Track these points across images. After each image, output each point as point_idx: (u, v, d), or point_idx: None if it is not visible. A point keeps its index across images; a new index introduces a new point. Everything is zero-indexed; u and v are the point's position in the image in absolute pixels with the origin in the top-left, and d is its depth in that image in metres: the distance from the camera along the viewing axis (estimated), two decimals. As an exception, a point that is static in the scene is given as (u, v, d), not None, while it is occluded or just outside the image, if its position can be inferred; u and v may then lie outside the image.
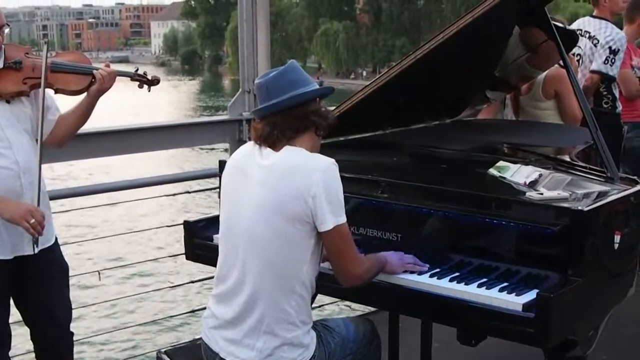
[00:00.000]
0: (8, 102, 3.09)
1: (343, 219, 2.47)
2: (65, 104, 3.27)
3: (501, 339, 2.56)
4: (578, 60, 5.30)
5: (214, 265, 2.69)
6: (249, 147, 2.65)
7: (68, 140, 3.35)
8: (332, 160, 2.49)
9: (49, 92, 3.19)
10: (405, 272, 2.70)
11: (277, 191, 2.46)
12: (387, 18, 58.97)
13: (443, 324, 2.80)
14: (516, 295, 2.47)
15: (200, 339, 2.69)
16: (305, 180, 2.43)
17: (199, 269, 3.76)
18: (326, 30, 58.15)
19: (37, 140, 3.10)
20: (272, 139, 2.53)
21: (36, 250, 3.03)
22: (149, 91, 3.53)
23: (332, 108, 3.45)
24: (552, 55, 3.91)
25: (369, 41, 59.13)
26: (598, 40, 5.33)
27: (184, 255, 3.35)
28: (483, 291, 2.53)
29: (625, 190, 2.86)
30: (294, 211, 2.43)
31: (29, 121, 3.14)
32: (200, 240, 3.21)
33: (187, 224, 3.27)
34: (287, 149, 2.52)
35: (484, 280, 2.60)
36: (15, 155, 3.04)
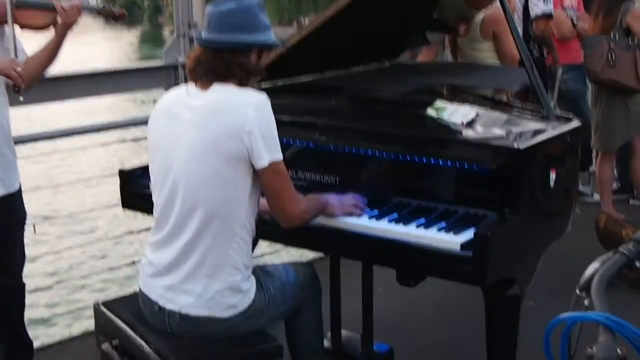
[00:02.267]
0: None
1: (279, 156, 2.41)
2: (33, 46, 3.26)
3: (440, 278, 2.58)
4: None
5: (151, 213, 2.64)
6: (176, 91, 2.57)
7: (35, 82, 3.28)
8: (265, 95, 2.42)
9: (17, 30, 3.15)
10: (345, 214, 2.67)
11: (211, 130, 2.38)
12: (328, -36, 58.41)
13: (382, 265, 2.82)
14: (454, 234, 2.47)
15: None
16: (239, 116, 2.36)
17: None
18: (267, -23, 57.52)
19: (4, 82, 3.11)
20: (195, 76, 2.47)
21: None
22: (116, 22, 3.56)
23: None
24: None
25: (311, -12, 58.56)
26: None
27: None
28: (421, 231, 2.52)
29: (560, 128, 2.88)
30: (230, 150, 2.36)
31: None
32: (137, 189, 3.14)
33: (122, 173, 3.20)
34: (215, 87, 2.45)
35: (423, 220, 2.59)
36: None
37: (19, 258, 3.32)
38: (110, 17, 3.44)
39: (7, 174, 3.16)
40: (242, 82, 2.48)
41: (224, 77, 2.45)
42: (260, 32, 2.47)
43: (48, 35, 3.26)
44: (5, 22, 3.12)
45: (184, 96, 2.50)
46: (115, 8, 3.51)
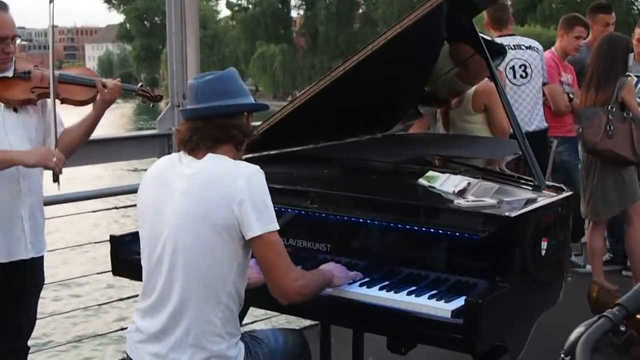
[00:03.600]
0: (15, 110, 3.23)
1: (273, 227, 2.41)
2: (70, 116, 3.41)
3: (431, 345, 2.56)
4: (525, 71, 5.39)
5: (141, 280, 2.62)
6: (168, 159, 2.60)
7: (71, 153, 3.39)
8: (257, 167, 2.45)
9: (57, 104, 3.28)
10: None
11: (201, 200, 2.40)
12: (324, 41, 59.31)
13: (373, 332, 2.80)
14: (445, 302, 2.47)
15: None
16: (230, 187, 2.38)
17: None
18: (263, 53, 58.18)
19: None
20: (191, 145, 2.48)
21: (30, 252, 3.21)
22: (152, 107, 3.77)
23: (260, 122, 3.44)
24: (481, 70, 3.95)
25: (306, 64, 59.33)
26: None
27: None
28: (412, 299, 2.52)
29: (552, 197, 2.90)
30: (220, 220, 2.37)
31: (33, 130, 3.27)
32: (127, 255, 3.13)
33: (113, 239, 3.20)
34: (209, 157, 2.47)
35: (414, 288, 2.59)
36: None
37: (31, 321, 3.41)
38: (147, 97, 3.57)
39: (38, 239, 3.28)
40: (238, 145, 2.52)
41: (221, 141, 2.48)
42: (246, 96, 2.54)
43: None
44: (48, 95, 3.25)
45: (177, 164, 2.52)
46: (154, 90, 3.67)
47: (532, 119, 5.39)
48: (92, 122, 3.40)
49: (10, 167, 3.10)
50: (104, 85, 3.33)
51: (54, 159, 3.11)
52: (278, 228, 2.43)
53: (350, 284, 2.66)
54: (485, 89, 4.51)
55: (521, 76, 5.36)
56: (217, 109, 2.47)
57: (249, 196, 2.37)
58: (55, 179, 3.15)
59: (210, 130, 2.47)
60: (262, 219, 2.38)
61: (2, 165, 3.08)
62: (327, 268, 2.66)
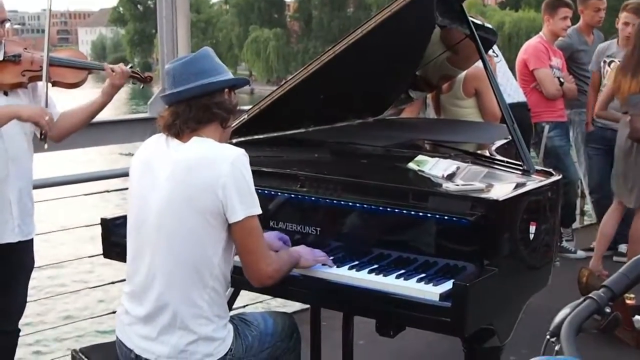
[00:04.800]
0: (6, 94, 3.24)
1: (255, 211, 2.41)
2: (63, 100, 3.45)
3: (419, 329, 2.58)
4: None
5: None
6: (155, 139, 2.58)
7: (67, 136, 3.46)
8: (242, 151, 2.44)
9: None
10: (321, 265, 2.68)
11: (185, 184, 2.40)
12: (317, 25, 59.28)
13: (363, 316, 2.81)
14: (433, 285, 2.48)
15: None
16: (214, 171, 2.38)
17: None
18: (256, 37, 58.06)
19: (33, 132, 3.29)
20: (175, 129, 2.48)
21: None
22: (142, 88, 3.82)
23: (251, 106, 3.44)
24: (472, 54, 3.95)
25: (300, 49, 59.29)
26: None
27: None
28: (401, 282, 2.53)
29: (540, 181, 2.91)
30: (204, 204, 2.37)
31: None
32: (117, 239, 3.14)
33: (104, 222, 3.21)
34: (194, 140, 2.47)
35: (402, 271, 2.60)
36: (5, 143, 3.17)
37: (21, 304, 3.42)
38: (137, 79, 3.60)
39: (25, 222, 3.29)
40: (224, 122, 2.52)
41: (205, 122, 2.48)
42: (225, 73, 2.54)
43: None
44: (40, 78, 3.27)
45: (163, 147, 2.51)
46: (145, 73, 3.69)
47: None
48: (99, 106, 3.45)
49: (8, 122, 3.10)
50: (113, 70, 3.39)
51: (47, 117, 3.14)
52: (260, 212, 2.43)
53: (339, 267, 2.67)
54: (476, 74, 4.52)
55: None
56: (195, 89, 2.46)
57: (233, 179, 2.37)
58: (43, 137, 3.19)
59: (193, 111, 2.46)
60: (245, 203, 2.39)
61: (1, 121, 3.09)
62: (295, 249, 2.67)
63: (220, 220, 2.39)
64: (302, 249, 2.67)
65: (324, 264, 2.68)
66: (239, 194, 2.37)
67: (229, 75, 2.56)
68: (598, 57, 5.83)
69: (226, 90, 2.53)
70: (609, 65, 5.70)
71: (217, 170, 2.37)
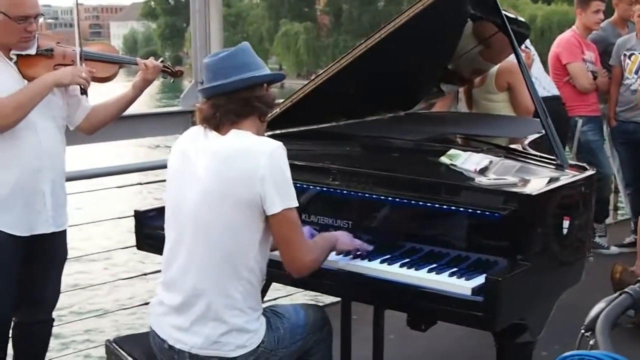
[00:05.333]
0: None
1: (292, 204, 2.44)
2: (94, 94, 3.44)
3: (451, 323, 2.57)
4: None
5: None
6: (195, 131, 2.61)
7: (99, 129, 3.50)
8: (280, 144, 2.47)
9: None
10: (354, 257, 2.71)
11: (223, 176, 2.42)
12: (347, 19, 59.08)
13: (394, 309, 2.81)
14: (465, 279, 2.47)
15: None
16: (252, 163, 2.40)
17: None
18: (287, 31, 58.03)
19: (65, 125, 3.33)
20: (215, 122, 2.50)
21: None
22: (172, 82, 3.88)
23: (282, 100, 3.45)
24: (505, 48, 3.93)
25: (330, 43, 59.15)
26: None
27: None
28: (433, 276, 2.53)
29: (574, 176, 2.89)
30: (241, 196, 2.40)
31: (57, 108, 3.27)
32: (151, 230, 3.17)
33: (137, 214, 3.24)
34: (233, 133, 2.49)
35: (434, 265, 2.60)
36: (38, 136, 3.19)
37: (54, 294, 3.47)
38: (168, 73, 3.63)
39: (59, 213, 3.31)
40: (262, 116, 2.55)
41: (244, 115, 2.51)
42: (263, 68, 2.57)
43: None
44: None
45: (202, 139, 2.54)
46: (175, 67, 3.72)
47: None
48: (130, 100, 3.49)
49: (49, 93, 3.15)
50: (146, 65, 3.43)
51: (84, 74, 3.20)
52: (297, 205, 2.46)
53: (370, 260, 2.68)
54: (509, 68, 4.49)
55: None
56: (238, 82, 2.49)
57: (271, 172, 2.39)
58: (84, 91, 3.27)
59: (233, 104, 2.49)
60: (283, 195, 2.42)
61: (44, 92, 3.13)
62: (332, 233, 2.71)
63: (257, 213, 2.42)
64: (339, 234, 2.70)
65: (358, 253, 2.71)
66: (276, 186, 2.40)
67: (267, 70, 2.59)
68: (618, 51, 5.79)
69: (264, 85, 2.56)
70: (629, 59, 5.66)
71: (256, 163, 2.40)
